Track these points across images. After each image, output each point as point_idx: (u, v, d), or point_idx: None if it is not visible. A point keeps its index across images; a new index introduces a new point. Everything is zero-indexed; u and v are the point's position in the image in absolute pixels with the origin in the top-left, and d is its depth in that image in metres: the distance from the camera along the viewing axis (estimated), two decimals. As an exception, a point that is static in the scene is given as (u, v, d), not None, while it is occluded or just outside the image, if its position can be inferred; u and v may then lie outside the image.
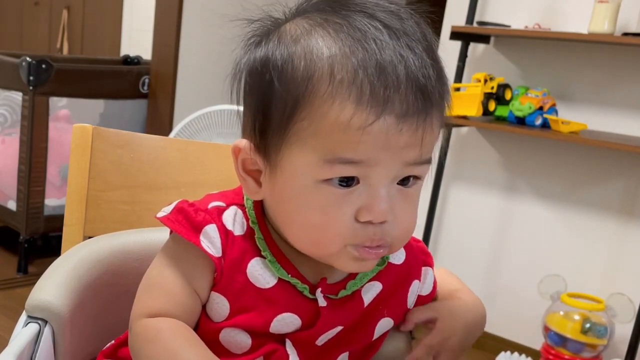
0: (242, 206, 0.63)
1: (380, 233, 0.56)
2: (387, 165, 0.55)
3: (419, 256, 0.70)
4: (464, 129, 2.47)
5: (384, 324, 0.67)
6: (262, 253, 0.61)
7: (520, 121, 2.17)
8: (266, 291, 0.61)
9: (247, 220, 0.63)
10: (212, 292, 0.61)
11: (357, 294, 0.64)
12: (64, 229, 0.90)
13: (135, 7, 3.51)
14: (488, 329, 2.75)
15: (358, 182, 0.55)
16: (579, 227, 2.24)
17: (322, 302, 0.62)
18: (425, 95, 0.53)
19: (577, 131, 2.07)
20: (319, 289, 0.62)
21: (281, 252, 0.62)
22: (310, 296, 0.62)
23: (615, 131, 2.16)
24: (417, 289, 0.69)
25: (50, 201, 2.70)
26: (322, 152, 0.54)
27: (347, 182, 0.55)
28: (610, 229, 2.19)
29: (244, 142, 0.60)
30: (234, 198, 0.64)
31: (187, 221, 0.61)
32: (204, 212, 0.61)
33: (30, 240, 2.67)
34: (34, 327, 0.64)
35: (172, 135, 2.54)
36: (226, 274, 0.61)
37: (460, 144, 2.50)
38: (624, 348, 2.02)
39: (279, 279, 0.61)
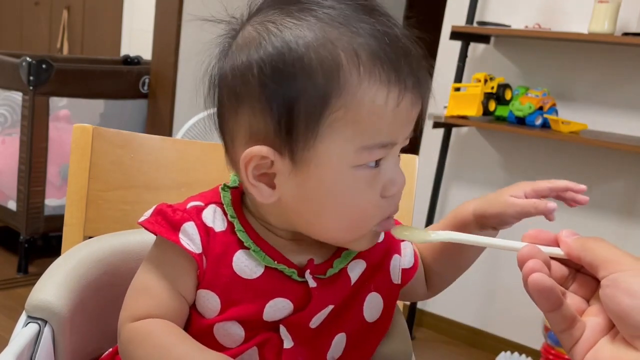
0: (220, 204, 0.64)
1: (397, 203, 0.60)
2: (402, 141, 0.59)
3: (391, 238, 0.71)
4: (464, 129, 2.47)
5: (373, 299, 0.67)
6: (245, 244, 0.62)
7: (521, 121, 2.17)
8: (254, 281, 0.61)
9: (226, 215, 0.63)
10: (201, 290, 0.61)
11: (343, 272, 0.65)
12: (64, 228, 0.90)
13: (135, 7, 3.51)
14: (488, 328, 2.75)
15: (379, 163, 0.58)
16: (579, 227, 2.24)
17: (312, 283, 0.63)
18: (426, 73, 0.58)
19: (577, 131, 2.07)
20: (308, 271, 0.63)
21: (264, 241, 0.63)
22: (299, 279, 0.63)
23: (615, 131, 2.15)
24: (399, 263, 0.70)
25: (51, 201, 2.69)
26: (360, 139, 0.55)
27: (377, 162, 0.58)
28: (610, 229, 2.19)
29: (261, 149, 0.57)
30: (212, 197, 0.65)
31: (166, 221, 0.61)
32: (182, 211, 0.62)
33: (30, 240, 2.67)
34: (33, 327, 0.64)
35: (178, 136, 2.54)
36: (211, 270, 0.61)
37: (460, 144, 2.50)
38: (624, 348, 2.02)
39: (266, 267, 0.62)
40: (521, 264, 0.50)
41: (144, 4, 3.33)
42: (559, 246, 0.53)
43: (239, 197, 0.65)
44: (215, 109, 0.62)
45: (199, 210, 0.63)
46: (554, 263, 0.52)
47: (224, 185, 0.66)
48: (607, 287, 0.47)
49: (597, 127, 2.17)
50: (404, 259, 0.71)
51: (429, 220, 2.43)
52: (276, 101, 0.55)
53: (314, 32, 0.55)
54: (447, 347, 2.48)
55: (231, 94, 0.59)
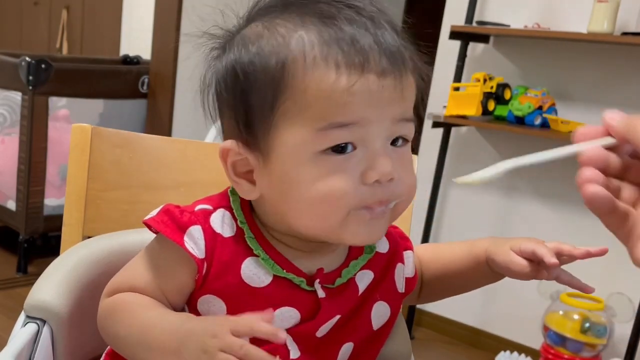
0: (229, 208, 0.64)
1: (388, 192, 0.58)
2: (377, 123, 0.57)
3: (400, 241, 0.72)
4: (463, 129, 2.47)
5: (379, 308, 0.67)
6: (255, 252, 0.61)
7: (520, 121, 2.17)
8: (262, 290, 0.61)
9: (236, 220, 0.63)
10: (207, 295, 0.61)
11: (352, 282, 0.65)
12: (63, 228, 0.90)
13: (135, 7, 3.51)
14: (488, 328, 2.75)
15: (355, 149, 0.57)
16: (578, 227, 2.24)
17: (321, 293, 0.62)
18: (397, 57, 0.57)
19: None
20: (317, 280, 0.62)
21: (274, 249, 0.62)
22: (308, 288, 0.62)
23: (614, 131, 2.15)
24: (403, 272, 0.71)
25: (50, 201, 2.69)
26: (312, 122, 0.56)
27: (343, 148, 0.57)
28: (610, 228, 2.19)
29: (229, 143, 0.60)
30: (221, 201, 0.64)
31: (173, 222, 0.61)
32: (190, 213, 0.62)
33: (29, 240, 2.67)
34: (32, 327, 0.64)
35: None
36: (216, 277, 0.60)
37: (459, 143, 2.50)
38: (623, 347, 2.02)
39: (274, 276, 0.61)
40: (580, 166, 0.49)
41: (144, 3, 3.32)
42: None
43: (247, 202, 0.64)
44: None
45: (206, 214, 0.62)
46: (610, 156, 0.51)
47: (232, 188, 0.65)
48: None
49: (596, 127, 2.17)
50: (407, 268, 0.71)
51: (429, 220, 2.43)
52: (233, 100, 0.60)
53: (267, 30, 0.58)
54: (447, 347, 2.48)
55: (216, 98, 0.63)
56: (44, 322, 0.65)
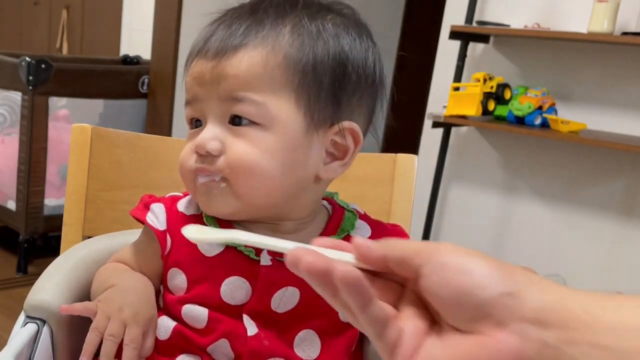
0: None
1: (209, 163, 0.62)
2: (207, 101, 0.63)
3: (393, 235, 0.72)
4: (463, 129, 2.47)
5: None
6: (209, 226, 0.67)
7: (520, 121, 2.17)
8: (212, 259, 0.65)
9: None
10: (172, 269, 0.67)
11: None
12: (63, 228, 0.90)
13: (135, 7, 3.51)
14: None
15: (203, 125, 0.64)
16: (578, 227, 2.24)
17: (265, 262, 0.65)
18: (228, 42, 0.62)
19: (576, 131, 2.07)
20: (265, 250, 0.64)
21: (229, 225, 0.66)
22: (256, 258, 0.65)
23: (614, 131, 2.15)
24: None
25: (50, 201, 2.69)
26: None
27: (196, 123, 0.65)
28: (610, 228, 2.19)
29: None
30: None
31: (142, 204, 0.71)
32: (158, 198, 0.71)
33: (29, 240, 2.67)
34: (32, 327, 0.64)
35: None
36: (177, 249, 0.67)
37: (459, 143, 2.50)
38: (623, 347, 2.02)
39: (225, 247, 0.65)
40: (295, 264, 0.40)
41: (144, 3, 3.32)
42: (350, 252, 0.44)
43: None
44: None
45: (174, 198, 0.71)
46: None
47: None
48: (433, 275, 0.41)
49: (596, 127, 2.18)
50: None
51: (429, 220, 2.43)
52: None
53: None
54: (446, 346, 2.48)
55: None
56: (44, 322, 0.65)
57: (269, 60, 0.61)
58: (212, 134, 0.62)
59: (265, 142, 0.61)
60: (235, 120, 0.62)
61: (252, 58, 0.61)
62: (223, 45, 0.62)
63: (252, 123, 0.61)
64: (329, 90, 0.62)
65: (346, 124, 0.64)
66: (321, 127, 0.63)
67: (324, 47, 0.62)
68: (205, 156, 0.62)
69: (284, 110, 0.61)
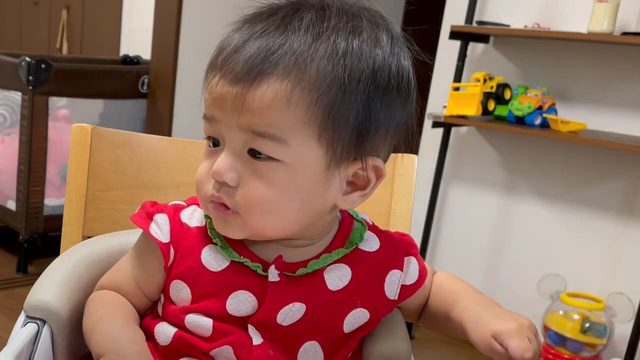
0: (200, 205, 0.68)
1: (225, 193, 0.60)
2: (226, 125, 0.59)
3: (401, 247, 0.71)
4: (463, 129, 2.47)
5: (358, 315, 0.67)
6: (214, 240, 0.65)
7: (520, 121, 2.17)
8: (219, 274, 0.64)
9: (206, 216, 0.67)
10: (175, 281, 0.66)
11: (318, 273, 0.65)
12: (63, 228, 0.90)
13: (135, 7, 3.51)
14: (488, 328, 2.72)
15: (221, 146, 0.61)
16: (578, 227, 2.24)
17: (272, 278, 0.64)
18: (254, 67, 0.57)
19: (576, 131, 2.07)
20: (273, 266, 0.64)
21: (235, 240, 0.65)
22: (264, 274, 0.64)
23: (614, 131, 2.15)
24: (400, 279, 0.70)
25: (50, 201, 2.69)
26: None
27: (214, 142, 0.62)
28: (610, 228, 2.19)
29: None
30: (195, 199, 0.69)
31: (144, 212, 0.68)
32: (162, 207, 0.69)
33: (29, 240, 2.67)
34: (32, 327, 0.64)
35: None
36: (180, 261, 0.65)
37: (459, 143, 2.50)
38: (623, 347, 2.02)
39: (232, 262, 0.64)
40: None
41: (143, 3, 3.32)
42: None
43: None
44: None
45: (178, 208, 0.69)
46: None
47: None
48: None
49: (596, 127, 2.18)
50: (405, 276, 0.71)
51: (429, 220, 2.43)
52: None
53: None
54: (446, 347, 2.48)
55: None
56: (44, 322, 0.65)
57: (293, 96, 0.57)
58: (229, 163, 0.59)
59: (284, 180, 0.59)
60: (254, 153, 0.59)
61: (276, 92, 0.57)
62: (248, 69, 0.57)
63: (271, 158, 0.58)
64: (354, 126, 0.59)
65: (369, 160, 0.61)
66: (343, 163, 0.60)
67: (352, 80, 0.57)
68: (222, 184, 0.60)
69: (305, 147, 0.58)
